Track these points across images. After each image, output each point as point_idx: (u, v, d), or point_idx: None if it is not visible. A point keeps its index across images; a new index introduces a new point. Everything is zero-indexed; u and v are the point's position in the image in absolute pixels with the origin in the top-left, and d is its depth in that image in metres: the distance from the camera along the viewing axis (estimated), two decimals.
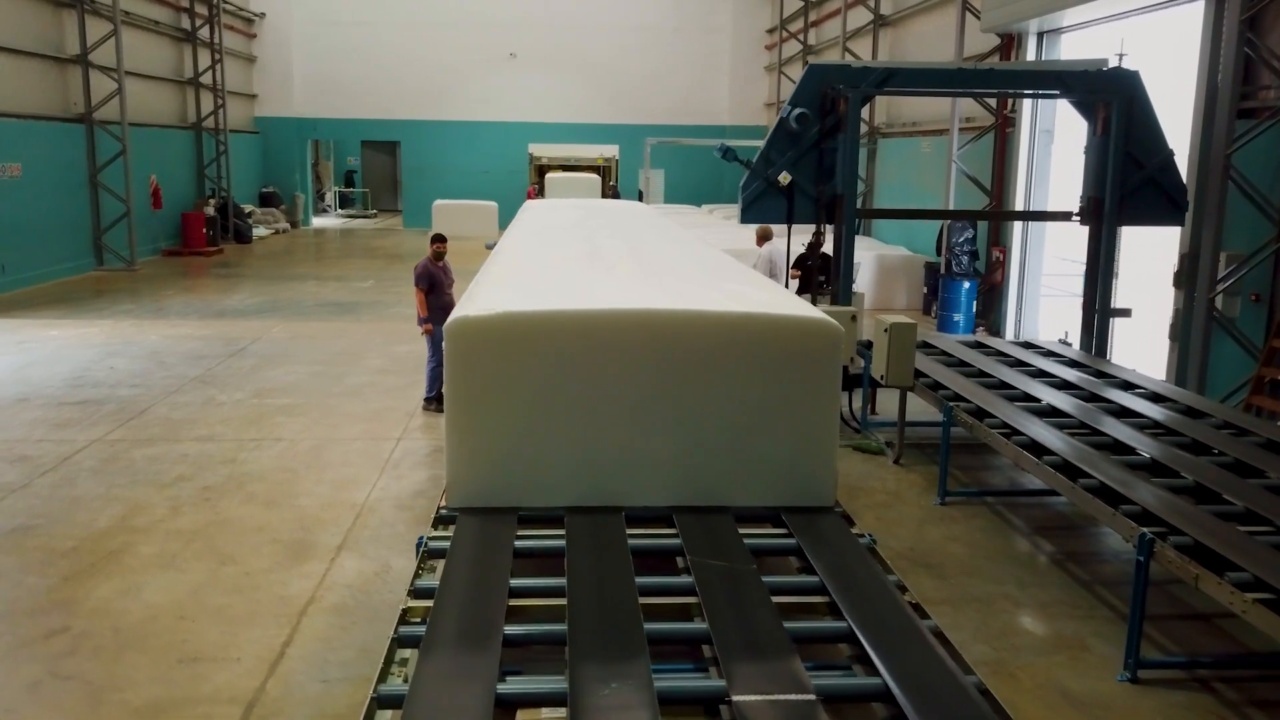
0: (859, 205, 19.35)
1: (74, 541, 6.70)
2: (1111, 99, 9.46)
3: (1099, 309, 9.82)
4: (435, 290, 9.96)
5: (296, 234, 30.00)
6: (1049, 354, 9.53)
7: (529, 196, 24.38)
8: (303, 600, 5.93)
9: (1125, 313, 10.06)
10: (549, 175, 28.56)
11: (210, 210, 25.10)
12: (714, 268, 7.14)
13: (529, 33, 31.61)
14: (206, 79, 26.48)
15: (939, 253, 15.75)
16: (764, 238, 12.36)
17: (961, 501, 7.85)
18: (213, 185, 26.58)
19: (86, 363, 11.98)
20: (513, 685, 3.57)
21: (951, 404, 7.76)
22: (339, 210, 38.20)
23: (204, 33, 26.39)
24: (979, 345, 10.09)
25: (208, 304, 16.60)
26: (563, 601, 4.13)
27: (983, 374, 8.76)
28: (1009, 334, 14.60)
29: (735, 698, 3.43)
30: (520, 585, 4.32)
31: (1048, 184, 14.43)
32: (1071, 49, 13.67)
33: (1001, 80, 10.74)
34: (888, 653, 3.77)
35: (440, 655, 3.69)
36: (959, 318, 14.84)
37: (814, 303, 10.12)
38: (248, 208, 28.25)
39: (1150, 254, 11.32)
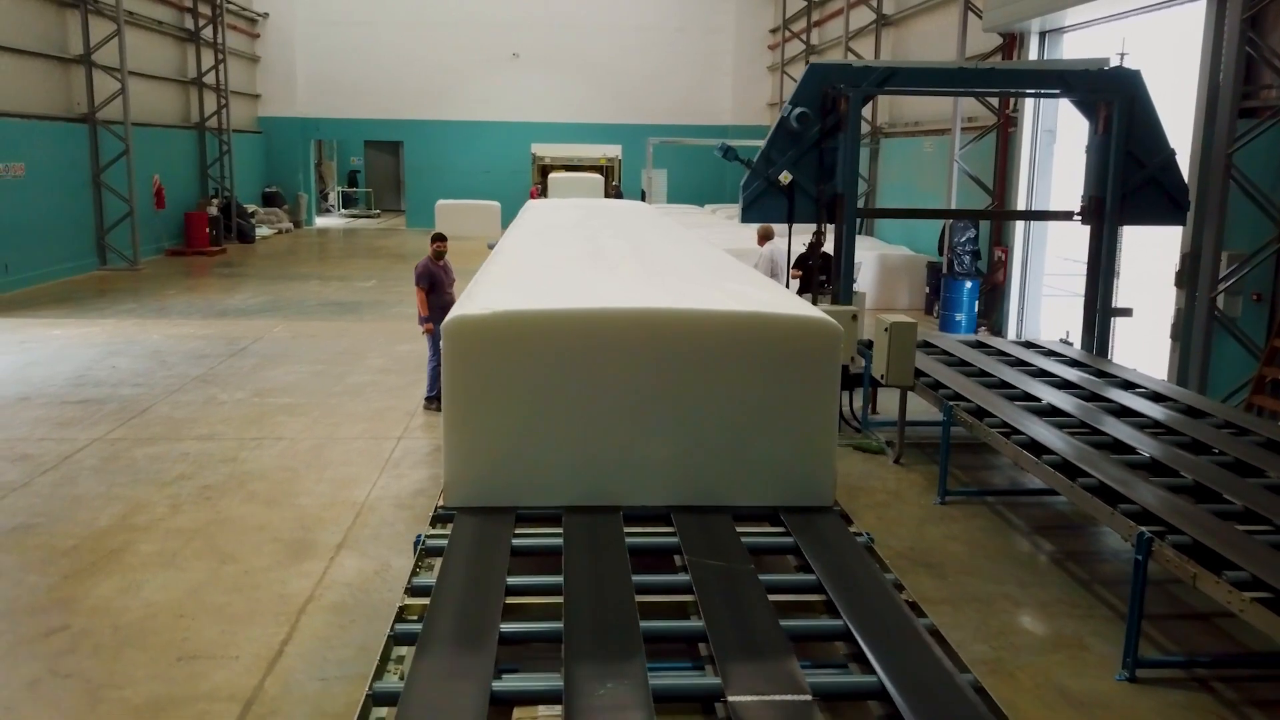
0: (861, 205, 19.43)
1: (74, 540, 6.72)
2: (1113, 98, 9.45)
3: (1100, 308, 9.81)
4: (436, 289, 9.97)
5: (300, 234, 30.04)
6: (1050, 353, 9.52)
7: (532, 196, 24.37)
8: (302, 599, 5.94)
9: (1126, 312, 10.05)
10: (552, 175, 28.57)
11: (213, 210, 25.13)
12: (714, 267, 7.14)
13: (531, 32, 31.65)
14: (210, 79, 26.53)
15: (941, 252, 15.74)
16: (765, 237, 12.35)
17: (962, 501, 7.85)
18: (216, 185, 26.63)
19: (88, 362, 12.00)
20: (508, 683, 3.57)
21: (952, 403, 7.75)
22: (342, 210, 38.24)
23: (207, 33, 26.44)
24: (980, 345, 10.08)
25: (210, 303, 16.63)
26: (559, 600, 4.13)
27: (983, 373, 8.76)
28: (1011, 334, 14.58)
29: (731, 698, 3.43)
30: (517, 583, 4.32)
31: (1050, 184, 14.42)
32: (1073, 48, 13.66)
33: (1002, 80, 10.74)
34: (884, 651, 3.77)
35: (436, 653, 3.70)
36: (961, 317, 14.84)
37: (814, 302, 10.12)
38: (251, 207, 28.29)
39: (1152, 253, 11.31)
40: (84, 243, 19.95)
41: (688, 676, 3.84)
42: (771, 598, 4.22)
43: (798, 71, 24.09)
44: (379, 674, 3.67)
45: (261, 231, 27.79)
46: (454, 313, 5.21)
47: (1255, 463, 6.22)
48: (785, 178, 9.65)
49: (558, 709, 3.40)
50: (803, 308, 5.72)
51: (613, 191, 27.83)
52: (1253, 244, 9.58)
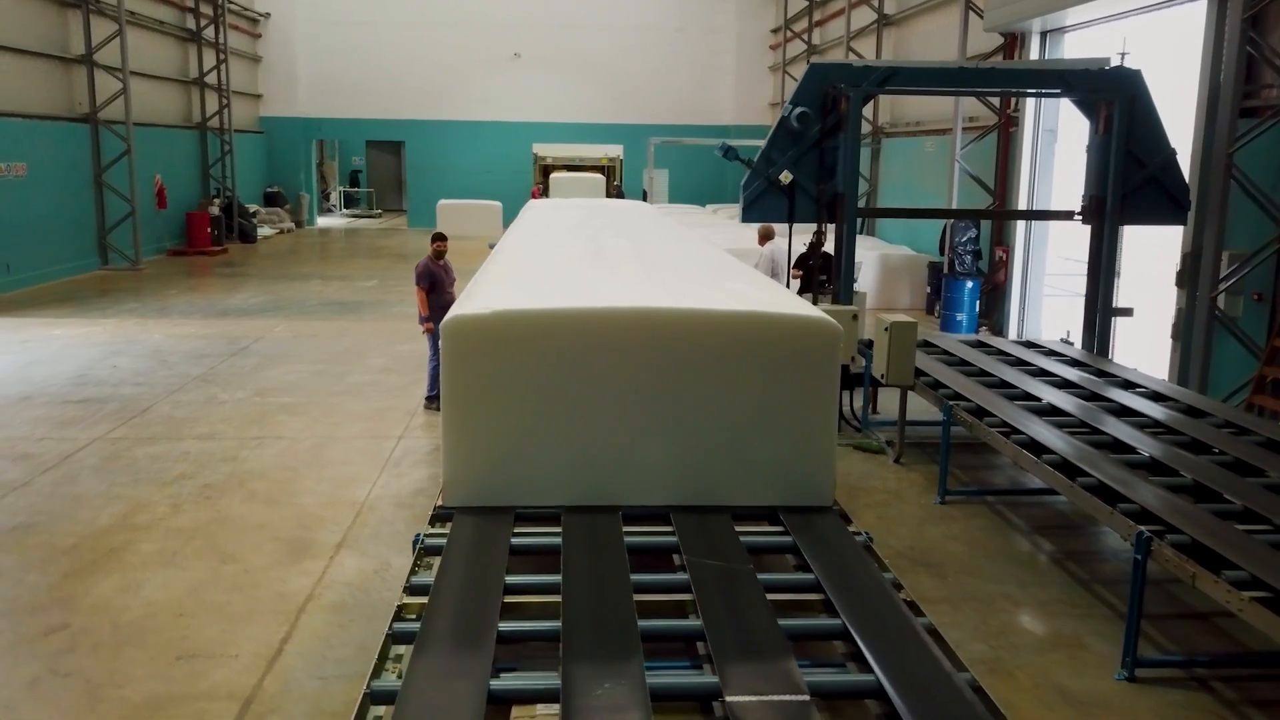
0: (862, 204, 19.43)
1: (75, 539, 6.72)
2: (1113, 98, 9.44)
3: (1101, 308, 9.81)
4: (436, 289, 9.97)
5: (301, 234, 30.05)
6: (1050, 353, 9.52)
7: (533, 196, 24.37)
8: (302, 598, 5.95)
9: (1127, 312, 10.04)
10: (553, 175, 28.55)
11: (215, 210, 25.14)
12: (715, 267, 7.13)
13: (533, 32, 31.65)
14: (211, 79, 26.55)
15: (942, 252, 15.74)
16: (766, 237, 12.36)
17: (962, 500, 7.85)
18: (217, 185, 26.65)
19: (90, 361, 12.01)
20: (505, 681, 3.57)
21: (952, 403, 7.75)
22: (344, 210, 38.26)
23: (209, 33, 26.47)
24: (980, 344, 10.07)
25: (211, 303, 16.64)
26: (557, 599, 4.13)
27: (984, 373, 8.76)
28: (1012, 333, 14.58)
29: (729, 698, 3.42)
30: (515, 582, 4.33)
31: (1051, 183, 14.41)
32: (1075, 48, 13.65)
33: (1003, 79, 10.74)
34: (881, 650, 3.77)
35: (434, 651, 3.70)
36: (962, 317, 14.84)
37: (815, 302, 10.12)
38: (252, 207, 28.31)
39: (1152, 253, 11.30)
40: (86, 242, 19.97)
41: (685, 675, 3.84)
42: (770, 597, 4.22)
43: (799, 71, 24.07)
44: (377, 672, 3.67)
45: (263, 231, 27.80)
46: (453, 312, 5.21)
47: (1255, 462, 6.22)
48: (786, 177, 9.66)
49: (556, 708, 3.40)
50: (802, 307, 5.71)
51: (614, 191, 27.81)
52: (1253, 243, 9.57)
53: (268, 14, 30.89)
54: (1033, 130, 14.41)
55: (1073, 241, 12.67)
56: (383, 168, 40.34)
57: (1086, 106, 9.75)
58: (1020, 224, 14.70)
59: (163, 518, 7.14)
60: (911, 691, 3.49)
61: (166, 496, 7.56)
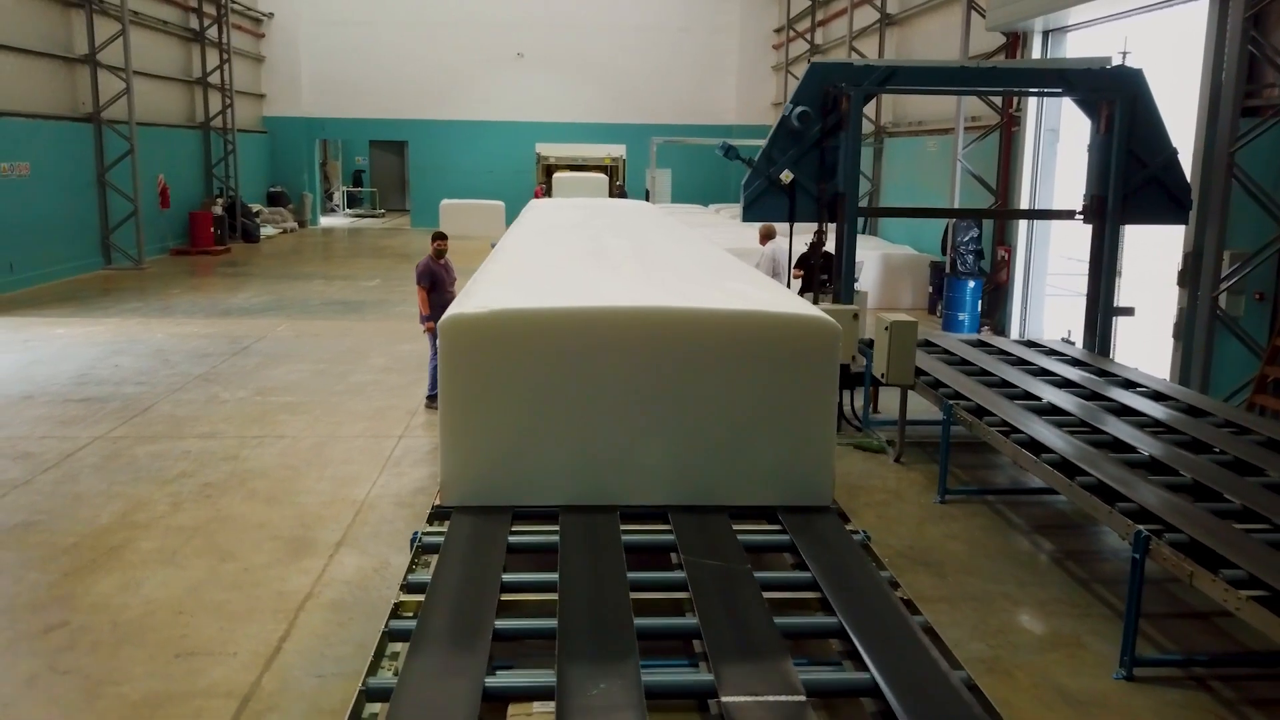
0: (865, 204, 19.43)
1: (75, 537, 6.74)
2: (1114, 97, 9.43)
3: (1102, 308, 9.80)
4: (437, 288, 9.98)
5: (304, 233, 30.08)
6: (1051, 353, 9.51)
7: (536, 196, 24.37)
8: (301, 596, 5.96)
9: (1128, 311, 10.04)
10: (556, 175, 28.56)
11: (218, 209, 25.18)
12: (715, 267, 7.13)
13: (536, 32, 31.67)
14: (214, 79, 26.59)
15: (944, 252, 15.73)
16: (767, 236, 12.35)
17: (962, 500, 7.84)
18: (220, 184, 26.68)
19: (92, 360, 12.04)
20: (501, 679, 3.57)
21: (952, 402, 7.75)
22: (347, 210, 38.29)
23: (212, 32, 26.50)
24: (981, 344, 10.07)
25: (214, 302, 16.66)
26: (554, 597, 4.13)
27: (984, 372, 8.75)
28: (1014, 333, 14.57)
29: (725, 698, 3.41)
30: (513, 580, 4.33)
31: (1053, 183, 14.40)
32: (1077, 47, 13.64)
33: (1004, 78, 10.73)
34: (877, 648, 3.77)
35: (430, 649, 3.70)
36: (964, 317, 14.83)
37: (816, 301, 10.12)
38: (255, 207, 28.34)
39: (1154, 253, 11.29)
40: (89, 242, 20.00)
41: (681, 673, 3.84)
42: (767, 595, 4.22)
43: (802, 71, 24.08)
44: (373, 670, 3.68)
45: (266, 231, 27.83)
46: (451, 311, 5.20)
47: (1255, 462, 6.21)
48: (787, 177, 9.66)
49: (552, 705, 3.40)
50: (801, 306, 5.71)
51: (617, 191, 27.82)
52: (1255, 243, 9.55)
53: (271, 14, 30.92)
54: (1035, 130, 14.41)
55: (1075, 241, 12.66)
56: (386, 167, 40.37)
57: (1088, 106, 9.74)
58: (1022, 223, 14.69)
59: (163, 516, 7.16)
60: (907, 689, 3.49)
61: (167, 495, 7.58)
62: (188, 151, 25.36)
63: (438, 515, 5.10)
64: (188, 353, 12.56)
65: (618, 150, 30.14)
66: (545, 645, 3.87)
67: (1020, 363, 9.10)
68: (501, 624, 3.93)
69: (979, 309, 14.91)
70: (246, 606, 5.81)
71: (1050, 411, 7.46)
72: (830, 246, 10.29)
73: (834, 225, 9.92)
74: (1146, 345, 11.30)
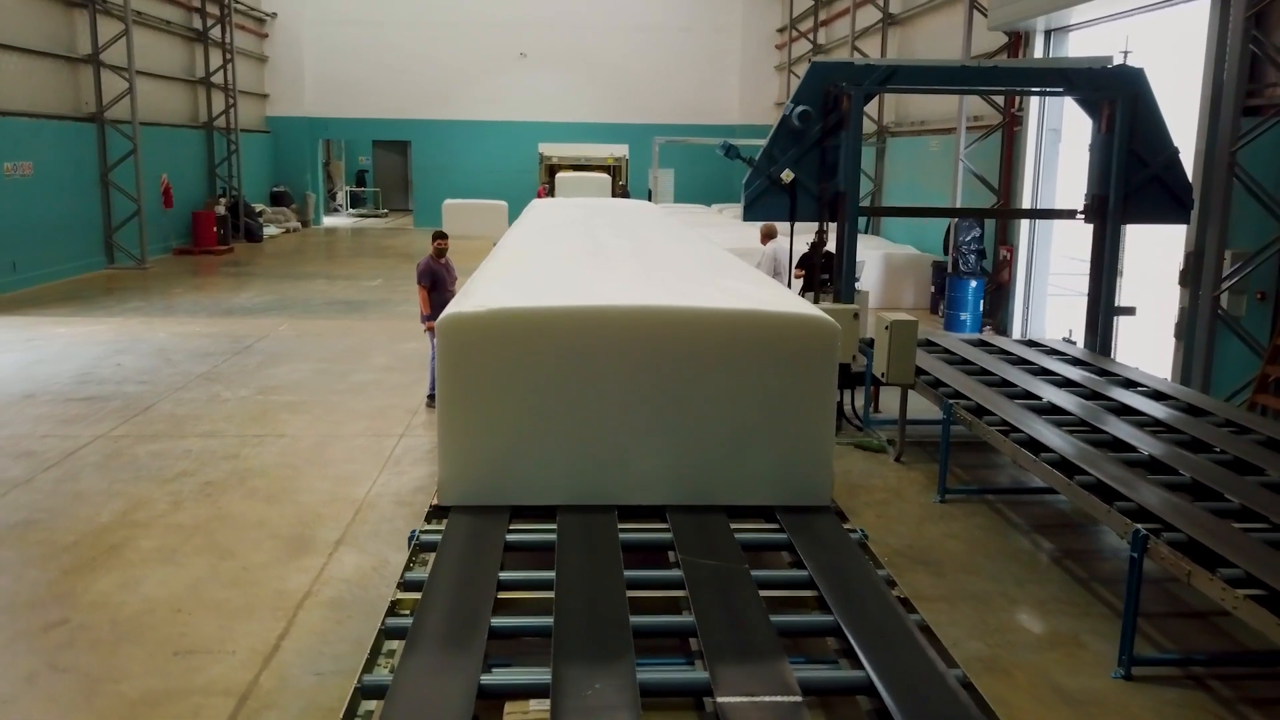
0: (867, 204, 19.42)
1: (75, 536, 6.75)
2: (1116, 96, 9.42)
3: (1103, 307, 9.79)
4: (438, 288, 9.98)
5: (307, 233, 30.11)
6: (1052, 352, 9.51)
7: (539, 196, 24.37)
8: (300, 594, 5.97)
9: (1129, 311, 10.03)
10: (559, 175, 28.51)
11: (221, 209, 25.20)
12: (715, 266, 7.13)
13: (539, 32, 31.68)
14: (218, 78, 26.62)
15: (946, 251, 15.71)
16: (768, 235, 12.36)
17: (961, 499, 7.84)
18: (224, 184, 26.71)
19: (94, 359, 12.06)
20: (496, 677, 3.58)
21: (952, 401, 7.74)
22: (350, 210, 38.31)
23: (215, 32, 26.53)
24: (982, 344, 10.06)
25: (216, 302, 16.68)
26: (550, 595, 4.14)
27: (985, 372, 8.75)
28: (1016, 333, 14.56)
29: (720, 698, 3.41)
30: (509, 579, 4.34)
31: (1055, 182, 14.39)
32: (1079, 47, 13.63)
33: (1005, 77, 10.72)
34: (873, 647, 3.77)
35: (426, 647, 3.71)
36: (966, 316, 14.82)
37: (817, 301, 10.12)
38: (259, 207, 28.36)
39: (1155, 252, 11.28)
40: (92, 241, 20.03)
41: (677, 671, 3.84)
42: (763, 594, 4.23)
43: (804, 71, 24.09)
44: (369, 667, 3.69)
45: (269, 231, 27.86)
46: (449, 310, 5.20)
47: (1255, 461, 6.21)
48: (787, 176, 9.65)
49: (548, 703, 3.40)
50: (800, 306, 5.71)
51: (620, 191, 27.80)
52: (1256, 242, 9.54)
53: (274, 14, 30.95)
54: (1037, 129, 14.40)
55: (1077, 241, 12.65)
56: (389, 167, 40.39)
57: (1089, 105, 9.73)
58: (1024, 223, 14.68)
59: (163, 515, 7.17)
60: (902, 687, 3.49)
61: (167, 494, 7.59)
62: (191, 151, 25.39)
63: (436, 514, 5.11)
64: (190, 352, 12.58)
65: (620, 150, 30.09)
66: (542, 643, 3.88)
67: (1021, 362, 9.10)
68: (498, 622, 3.94)
69: (981, 309, 14.91)
70: (245, 605, 5.82)
71: (1050, 411, 7.46)
72: (831, 246, 10.29)
73: (835, 224, 9.92)
74: (1148, 345, 11.29)
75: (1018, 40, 14.50)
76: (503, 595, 4.18)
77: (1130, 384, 8.23)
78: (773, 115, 30.54)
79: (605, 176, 28.36)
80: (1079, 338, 10.10)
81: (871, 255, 16.99)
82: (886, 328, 8.36)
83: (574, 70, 32.02)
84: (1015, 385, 8.23)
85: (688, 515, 5.07)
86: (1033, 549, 6.97)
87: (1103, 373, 8.66)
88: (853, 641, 3.81)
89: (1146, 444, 6.58)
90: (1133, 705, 4.92)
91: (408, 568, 4.55)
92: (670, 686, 3.64)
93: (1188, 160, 9.76)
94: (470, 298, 5.45)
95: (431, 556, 4.60)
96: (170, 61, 24.40)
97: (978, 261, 15.01)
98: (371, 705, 3.48)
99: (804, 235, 10.82)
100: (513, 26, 31.57)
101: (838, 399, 9.31)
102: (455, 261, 10.36)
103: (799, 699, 3.41)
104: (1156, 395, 7.89)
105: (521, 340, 5.05)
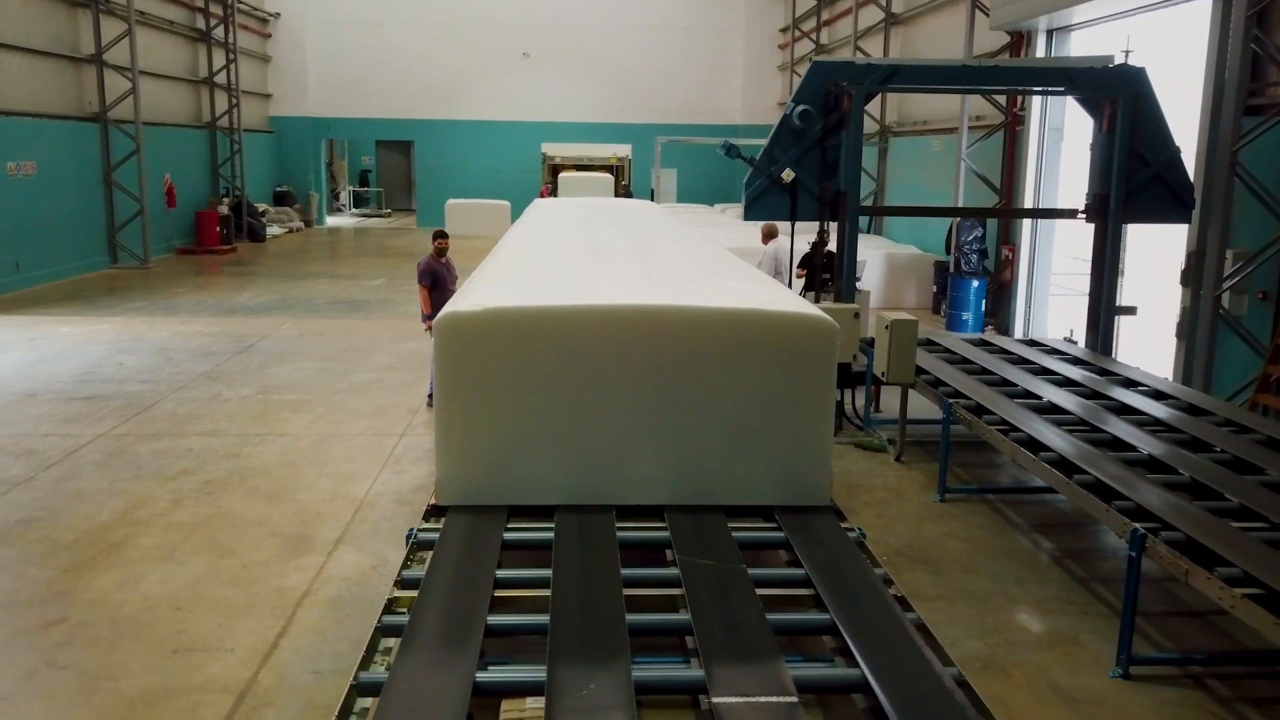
0: (871, 204, 19.44)
1: (75, 534, 6.77)
2: (1117, 95, 9.41)
3: (1104, 307, 9.77)
4: (438, 287, 9.99)
5: (310, 233, 30.14)
6: (1053, 352, 9.50)
7: (542, 196, 24.37)
8: (299, 593, 5.97)
9: (1130, 310, 10.01)
10: (562, 175, 28.52)
11: (224, 209, 25.23)
12: (715, 265, 7.12)
13: (541, 32, 31.69)
14: (221, 78, 26.64)
15: (948, 251, 15.70)
16: (769, 235, 12.36)
17: (961, 499, 7.83)
18: (227, 184, 26.74)
19: (96, 359, 12.08)
20: (491, 674, 3.58)
21: (952, 401, 7.74)
22: (353, 209, 38.35)
23: (218, 32, 26.56)
24: (983, 343, 10.06)
25: (219, 301, 16.71)
26: (547, 593, 4.14)
27: (985, 371, 8.74)
28: (1018, 332, 14.55)
29: (715, 699, 3.41)
30: (506, 577, 4.34)
31: (1057, 182, 14.38)
32: (1081, 46, 13.61)
33: (1006, 76, 10.70)
34: (868, 645, 3.77)
35: (422, 644, 3.71)
36: (968, 316, 14.81)
37: (818, 300, 10.12)
38: (262, 206, 28.39)
39: (1157, 252, 11.26)
40: (95, 241, 20.06)
41: (673, 669, 3.84)
42: (760, 592, 4.23)
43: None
44: (365, 664, 3.69)
45: (272, 230, 27.89)
46: (446, 309, 5.20)
47: (1254, 460, 6.20)
48: (788, 175, 9.65)
49: (544, 701, 3.41)
50: (799, 305, 5.70)
51: (622, 191, 27.79)
52: (1258, 242, 9.52)
53: (277, 14, 30.99)
54: (1039, 129, 14.38)
55: (1079, 240, 12.64)
56: (392, 167, 40.42)
57: (1090, 104, 9.72)
58: (1026, 223, 14.67)
59: (163, 513, 7.18)
60: (897, 685, 3.49)
61: (168, 492, 7.60)
62: (194, 151, 25.43)
63: (434, 513, 5.11)
64: (192, 351, 12.60)
65: (623, 150, 30.09)
66: (538, 641, 3.88)
67: (1022, 362, 9.09)
68: (494, 620, 3.94)
69: (983, 308, 14.89)
70: (245, 603, 5.83)
71: (1050, 410, 7.45)
72: (833, 246, 10.28)
73: (836, 224, 9.91)
74: (1149, 344, 11.28)
75: (1020, 40, 14.49)
76: (499, 593, 4.19)
77: (1131, 383, 8.22)
78: (775, 115, 30.32)
79: (608, 176, 28.36)
80: (1080, 337, 10.09)
81: (873, 255, 16.98)
82: (887, 327, 8.36)
83: (577, 70, 32.03)
84: (1015, 385, 8.22)
85: (686, 515, 5.06)
86: (1032, 548, 6.97)
87: (1103, 372, 8.65)
88: (848, 640, 3.81)
89: (1146, 443, 6.58)
90: (1131, 704, 4.91)
91: (405, 566, 4.56)
92: (666, 684, 3.64)
93: (1189, 159, 9.75)
94: (468, 297, 5.45)
95: (429, 555, 4.60)
96: (173, 61, 24.43)
97: (980, 261, 15.00)
98: (367, 702, 3.48)
99: (805, 235, 10.82)
100: (516, 26, 31.58)
101: (838, 398, 9.33)
102: (457, 261, 10.37)
103: (794, 699, 3.41)
104: (1157, 395, 7.88)
105: (519, 339, 5.05)
